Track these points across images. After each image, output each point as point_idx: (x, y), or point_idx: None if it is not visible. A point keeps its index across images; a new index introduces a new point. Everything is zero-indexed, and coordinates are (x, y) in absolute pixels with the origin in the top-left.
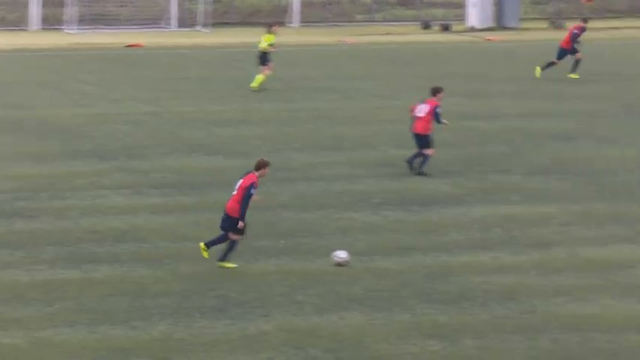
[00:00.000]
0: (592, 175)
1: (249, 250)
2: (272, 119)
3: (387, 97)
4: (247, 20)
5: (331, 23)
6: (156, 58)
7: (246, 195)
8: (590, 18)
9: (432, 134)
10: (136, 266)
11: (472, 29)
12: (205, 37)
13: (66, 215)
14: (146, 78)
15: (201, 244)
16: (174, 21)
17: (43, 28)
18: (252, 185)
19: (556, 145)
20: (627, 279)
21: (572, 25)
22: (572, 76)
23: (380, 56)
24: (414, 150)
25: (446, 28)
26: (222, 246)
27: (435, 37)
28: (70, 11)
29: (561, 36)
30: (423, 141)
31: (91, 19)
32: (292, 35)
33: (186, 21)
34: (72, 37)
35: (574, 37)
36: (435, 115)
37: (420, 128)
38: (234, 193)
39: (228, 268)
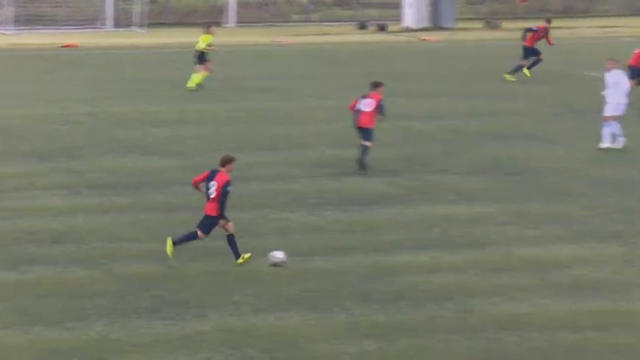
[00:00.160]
0: (528, 174)
1: (185, 251)
2: (209, 119)
3: (323, 97)
4: (183, 21)
5: (267, 23)
6: (92, 58)
7: (224, 193)
8: (525, 18)
9: (375, 128)
10: (72, 267)
11: (408, 29)
12: (141, 38)
13: (3, 216)
14: (82, 78)
15: (169, 241)
16: (109, 21)
17: None
18: (227, 183)
19: (492, 144)
20: (562, 278)
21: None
22: (508, 77)
23: (317, 56)
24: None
25: (382, 29)
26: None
27: (371, 37)
28: (6, 12)
29: (497, 36)
30: (367, 134)
31: (26, 20)
32: (228, 35)
33: (122, 21)
34: (8, 37)
35: (532, 36)
36: (380, 108)
37: (364, 122)
38: (212, 194)
39: (168, 250)
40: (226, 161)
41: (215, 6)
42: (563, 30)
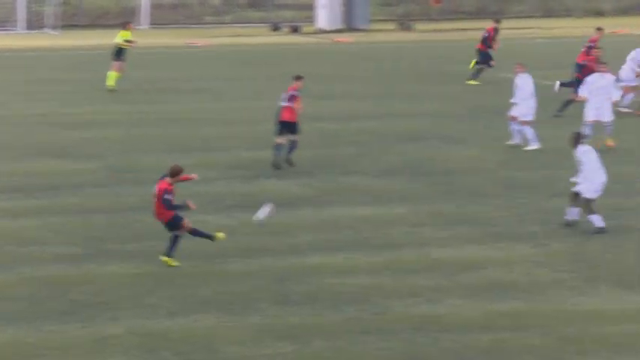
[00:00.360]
0: (442, 175)
1: (98, 254)
2: (122, 121)
3: (237, 99)
4: (96, 22)
5: (181, 25)
6: (4, 60)
7: (164, 201)
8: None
9: (298, 121)
10: None
11: (321, 31)
12: (54, 40)
13: None
14: None
15: (163, 258)
16: (21, 23)
17: None
18: (165, 192)
19: (406, 145)
20: (476, 279)
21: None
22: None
23: (231, 58)
24: (276, 143)
25: (295, 30)
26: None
27: (284, 38)
28: None
29: (410, 37)
30: (291, 128)
31: None
32: (142, 37)
33: (34, 23)
34: None
35: (485, 39)
36: (292, 100)
37: (286, 116)
38: (155, 200)
39: (171, 264)
40: (174, 173)
41: (128, 7)
42: (477, 31)
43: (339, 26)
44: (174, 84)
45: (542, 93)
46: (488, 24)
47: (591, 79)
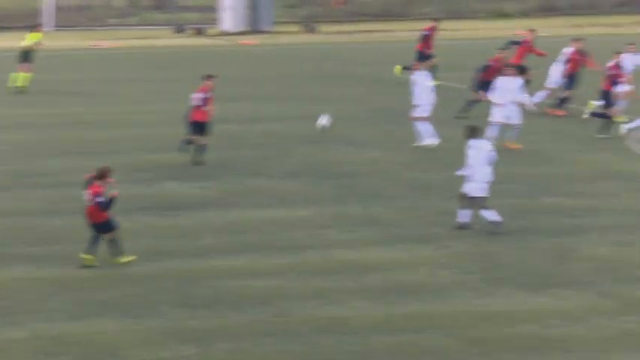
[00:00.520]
0: (345, 177)
1: (0, 257)
2: (23, 124)
3: (140, 102)
4: None
5: (86, 27)
6: None
7: (99, 204)
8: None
9: (210, 122)
10: None
11: (226, 33)
12: None
13: None
14: None
15: (84, 255)
16: None
17: None
18: (98, 195)
19: (310, 148)
20: (380, 281)
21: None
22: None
23: (134, 60)
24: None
25: (199, 32)
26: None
27: (188, 41)
28: None
29: (314, 39)
30: (202, 128)
31: None
32: (46, 39)
33: None
34: None
35: (425, 39)
36: (204, 101)
37: (198, 117)
38: (88, 203)
39: (128, 261)
40: (102, 175)
41: (31, 9)
42: (382, 33)
43: (244, 28)
44: (79, 86)
45: (445, 94)
46: (394, 26)
47: (500, 82)
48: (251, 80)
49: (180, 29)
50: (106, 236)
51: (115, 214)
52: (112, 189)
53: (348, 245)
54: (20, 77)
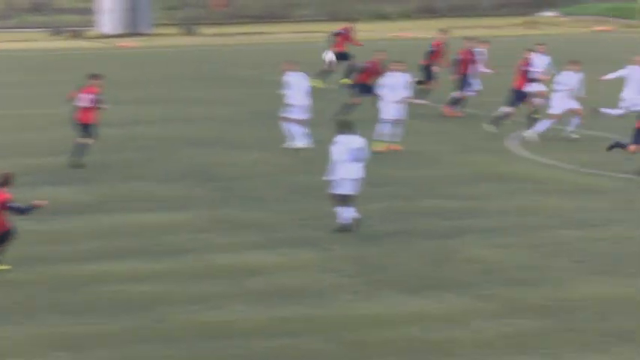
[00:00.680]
0: (224, 181)
1: None
2: None
3: (17, 105)
4: None
5: None
6: None
7: (12, 210)
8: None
9: (95, 124)
10: None
11: (104, 35)
12: None
13: None
14: None
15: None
16: None
17: None
18: (6, 202)
19: (189, 150)
20: (260, 285)
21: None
22: (316, 83)
23: (10, 63)
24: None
25: (77, 35)
26: None
27: (66, 43)
28: None
29: (194, 41)
30: (87, 130)
31: None
32: None
33: None
34: None
35: (339, 38)
36: (96, 102)
37: (84, 118)
38: None
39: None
40: (4, 182)
41: None
42: (262, 35)
43: (122, 31)
44: None
45: (325, 96)
46: (275, 28)
47: (386, 79)
48: (130, 83)
49: (57, 32)
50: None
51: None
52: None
53: (229, 249)
54: None
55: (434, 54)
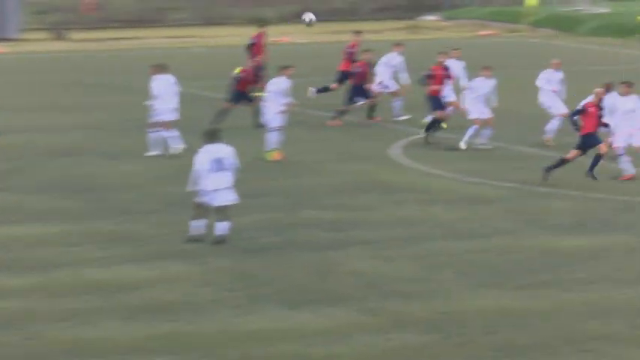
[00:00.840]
0: (97, 192)
1: None
2: None
3: None
4: None
5: None
6: None
7: None
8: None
9: None
10: None
11: None
12: None
13: None
14: None
15: None
16: None
17: None
18: None
19: (60, 161)
20: (133, 300)
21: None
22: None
23: None
24: None
25: None
26: None
27: None
28: None
29: (65, 47)
30: None
31: None
32: None
33: None
34: None
35: (253, 47)
36: None
37: None
38: None
39: None
40: None
41: None
42: (134, 40)
43: None
44: None
45: (203, 104)
46: (149, 32)
47: (270, 86)
48: None
49: None
50: None
51: None
52: None
53: (101, 263)
54: None
55: (350, 55)
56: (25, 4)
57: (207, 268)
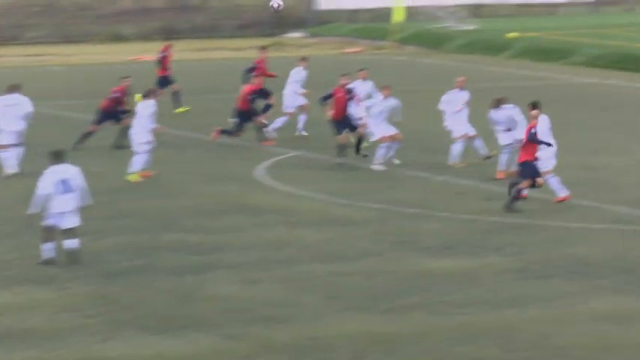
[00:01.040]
0: None
1: None
2: None
3: None
4: None
5: None
6: None
7: None
8: None
9: None
10: None
11: None
12: None
13: None
14: None
15: None
16: None
17: None
18: None
19: None
20: None
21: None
22: (179, 110)
23: None
24: None
25: None
26: None
27: None
28: None
29: None
30: None
31: None
32: None
33: None
34: None
35: (162, 62)
36: None
37: None
38: None
39: None
40: None
41: None
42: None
43: None
44: None
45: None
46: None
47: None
48: None
49: None
50: None
51: None
52: None
53: None
54: None
55: (255, 70)
56: None
57: (67, 293)
